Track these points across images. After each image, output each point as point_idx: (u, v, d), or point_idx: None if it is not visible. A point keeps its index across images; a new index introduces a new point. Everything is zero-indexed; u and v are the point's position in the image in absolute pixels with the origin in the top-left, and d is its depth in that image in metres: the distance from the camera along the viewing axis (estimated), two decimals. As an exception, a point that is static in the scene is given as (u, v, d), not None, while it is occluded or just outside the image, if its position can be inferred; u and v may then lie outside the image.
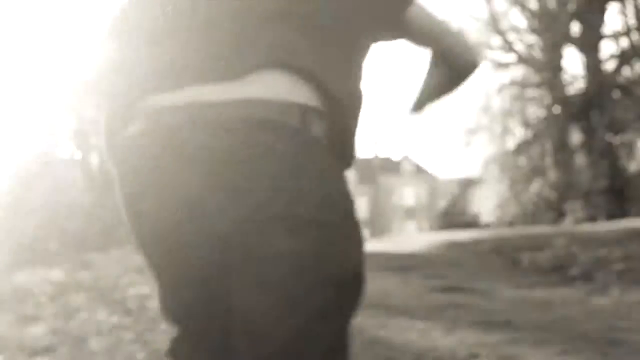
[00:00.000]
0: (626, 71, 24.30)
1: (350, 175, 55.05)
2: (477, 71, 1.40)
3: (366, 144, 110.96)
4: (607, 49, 33.10)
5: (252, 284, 0.99)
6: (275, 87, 1.02)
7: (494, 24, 25.73)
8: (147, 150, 1.03)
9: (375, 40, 1.30)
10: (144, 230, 1.09)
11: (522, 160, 25.77)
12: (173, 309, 1.15)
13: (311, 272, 1.03)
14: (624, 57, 23.85)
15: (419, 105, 1.48)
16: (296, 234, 1.00)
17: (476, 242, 13.57)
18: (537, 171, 24.88)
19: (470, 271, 9.38)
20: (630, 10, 23.49)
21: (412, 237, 22.14)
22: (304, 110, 1.04)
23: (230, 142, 0.98)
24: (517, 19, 32.84)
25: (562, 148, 23.83)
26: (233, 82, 1.00)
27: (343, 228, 1.13)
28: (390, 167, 57.40)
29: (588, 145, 23.11)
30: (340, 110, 1.12)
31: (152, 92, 1.04)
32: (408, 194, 56.45)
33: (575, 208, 22.04)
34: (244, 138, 0.99)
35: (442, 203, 54.95)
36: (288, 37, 1.04)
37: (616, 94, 24.47)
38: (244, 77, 1.00)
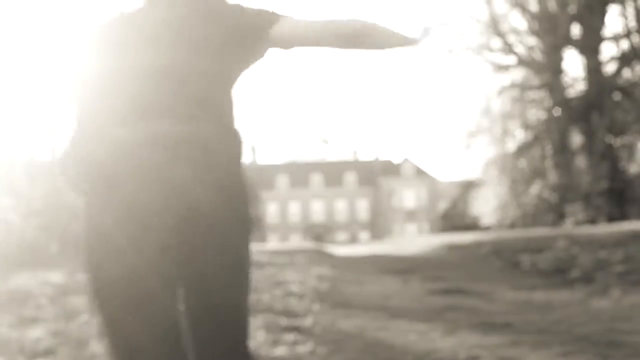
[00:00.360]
0: (626, 73, 24.32)
1: (351, 177, 55.03)
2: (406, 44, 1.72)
3: (367, 146, 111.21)
4: (608, 51, 33.05)
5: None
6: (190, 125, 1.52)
7: (495, 26, 25.75)
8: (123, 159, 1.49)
9: (249, 63, 1.70)
10: (116, 205, 1.48)
11: (523, 163, 25.77)
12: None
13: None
14: (625, 60, 23.86)
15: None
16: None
17: (476, 245, 13.57)
18: (537, 173, 24.89)
19: (470, 273, 9.38)
20: (630, 12, 23.51)
21: (413, 240, 22.13)
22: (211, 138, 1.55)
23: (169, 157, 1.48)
24: (518, 21, 32.86)
25: (563, 150, 23.83)
26: (172, 121, 1.51)
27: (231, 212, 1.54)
28: (390, 169, 57.38)
29: (588, 147, 23.11)
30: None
31: (119, 124, 1.52)
32: (409, 197, 56.43)
33: (575, 210, 22.04)
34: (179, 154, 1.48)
35: (442, 205, 54.91)
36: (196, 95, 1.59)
37: (616, 96, 24.48)
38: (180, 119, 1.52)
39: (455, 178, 54.53)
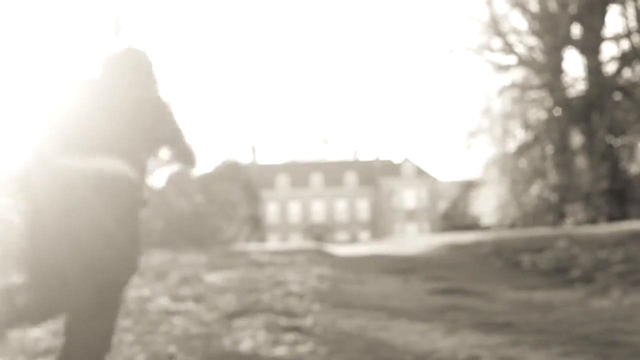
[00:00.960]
0: (627, 73, 24.32)
1: (352, 177, 55.09)
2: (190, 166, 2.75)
3: (367, 146, 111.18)
4: (608, 51, 33.00)
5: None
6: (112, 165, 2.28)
7: (495, 26, 25.74)
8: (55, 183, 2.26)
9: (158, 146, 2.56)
10: (40, 225, 2.28)
11: (523, 163, 25.76)
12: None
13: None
14: (625, 59, 23.86)
15: None
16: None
17: (477, 244, 13.57)
18: (537, 173, 24.88)
19: (470, 273, 9.38)
20: (631, 12, 23.51)
21: (413, 240, 22.13)
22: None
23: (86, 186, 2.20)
24: (518, 21, 32.83)
25: (563, 150, 23.83)
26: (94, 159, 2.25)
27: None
28: (391, 169, 57.40)
29: (588, 147, 23.11)
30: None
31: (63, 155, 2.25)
32: (409, 196, 56.44)
33: (575, 210, 22.04)
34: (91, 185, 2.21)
35: (442, 205, 54.90)
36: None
37: (617, 96, 24.48)
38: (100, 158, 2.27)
39: (456, 178, 54.45)
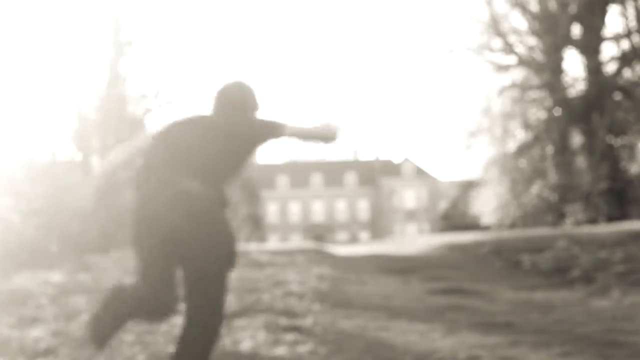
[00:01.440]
0: (627, 73, 24.30)
1: (352, 177, 55.12)
2: (331, 141, 3.07)
3: (367, 146, 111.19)
4: (608, 51, 33.02)
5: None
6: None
7: (495, 26, 25.72)
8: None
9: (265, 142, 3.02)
10: (151, 224, 2.81)
11: (523, 163, 25.74)
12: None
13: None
14: (625, 59, 23.84)
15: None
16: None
17: (477, 244, 13.57)
18: (537, 173, 24.86)
19: (470, 273, 9.38)
20: (631, 12, 23.50)
21: (413, 240, 22.14)
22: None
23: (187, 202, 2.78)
24: (518, 21, 32.80)
25: (563, 150, 23.82)
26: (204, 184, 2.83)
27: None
28: (391, 169, 57.40)
29: (588, 147, 23.10)
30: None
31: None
32: (409, 196, 56.45)
33: (575, 210, 22.03)
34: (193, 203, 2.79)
35: (442, 205, 54.95)
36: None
37: (617, 96, 24.47)
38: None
39: (456, 178, 54.48)
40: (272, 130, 2.94)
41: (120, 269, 9.26)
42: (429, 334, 4.44)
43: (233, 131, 2.94)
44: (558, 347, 3.90)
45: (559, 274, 8.40)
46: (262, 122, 2.98)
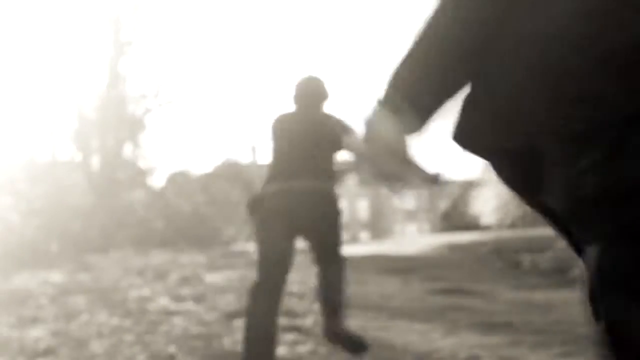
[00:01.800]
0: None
1: (351, 177, 55.27)
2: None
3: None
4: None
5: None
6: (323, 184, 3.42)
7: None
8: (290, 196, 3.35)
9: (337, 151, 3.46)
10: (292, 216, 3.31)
11: (523, 162, 25.72)
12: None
13: None
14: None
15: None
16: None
17: (477, 244, 13.58)
18: (537, 173, 24.84)
19: (470, 273, 9.38)
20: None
21: (413, 240, 22.14)
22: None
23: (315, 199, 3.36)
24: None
25: (563, 150, 23.82)
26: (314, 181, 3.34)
27: None
28: (390, 169, 57.37)
29: (589, 147, 23.10)
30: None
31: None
32: (409, 196, 56.46)
33: (575, 210, 22.00)
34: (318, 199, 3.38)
35: (443, 205, 54.95)
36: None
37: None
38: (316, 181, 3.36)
39: (456, 177, 54.49)
40: (342, 131, 3.39)
41: (120, 269, 9.26)
42: (429, 334, 4.44)
43: (323, 130, 3.40)
44: (558, 347, 3.90)
45: (559, 274, 8.40)
46: (335, 120, 3.46)
